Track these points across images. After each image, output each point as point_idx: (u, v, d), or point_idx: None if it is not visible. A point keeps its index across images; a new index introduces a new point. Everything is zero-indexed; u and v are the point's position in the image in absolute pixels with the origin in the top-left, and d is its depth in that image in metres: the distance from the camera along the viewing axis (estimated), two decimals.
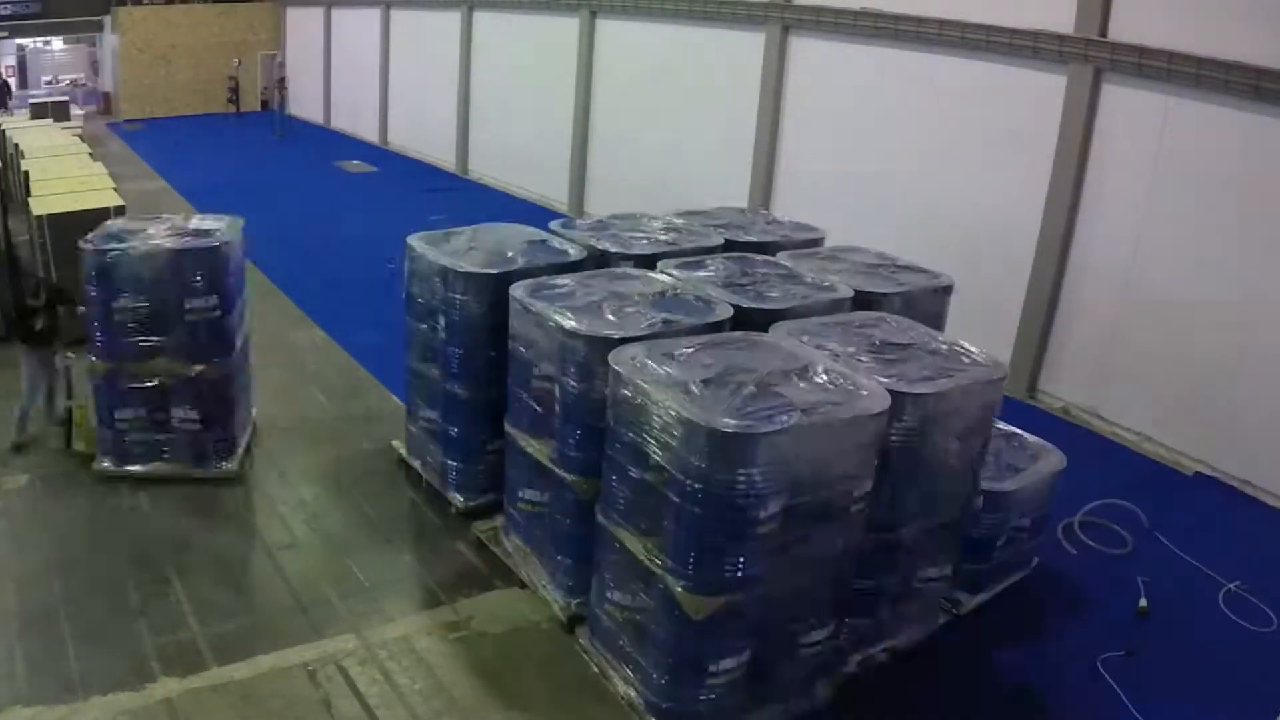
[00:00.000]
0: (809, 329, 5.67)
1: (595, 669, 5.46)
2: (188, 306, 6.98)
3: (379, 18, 21.23)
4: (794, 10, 12.04)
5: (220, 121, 24.85)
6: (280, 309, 11.13)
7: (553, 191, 16.41)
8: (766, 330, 5.63)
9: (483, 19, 18.39)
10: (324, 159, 20.18)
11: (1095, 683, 5.55)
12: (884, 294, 6.51)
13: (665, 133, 14.03)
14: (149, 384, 7.07)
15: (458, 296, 6.50)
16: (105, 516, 6.83)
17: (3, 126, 14.67)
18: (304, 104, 24.80)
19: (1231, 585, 6.38)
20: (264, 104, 26.59)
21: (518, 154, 17.47)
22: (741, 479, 4.48)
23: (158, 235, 7.17)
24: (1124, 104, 8.87)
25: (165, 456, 7.27)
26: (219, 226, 7.42)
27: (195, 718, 5.08)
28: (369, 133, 22.28)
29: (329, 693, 5.29)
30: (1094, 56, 8.91)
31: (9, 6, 23.93)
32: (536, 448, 5.95)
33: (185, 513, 6.94)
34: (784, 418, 4.52)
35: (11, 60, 26.86)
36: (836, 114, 11.50)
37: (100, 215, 8.52)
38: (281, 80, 24.70)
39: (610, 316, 5.65)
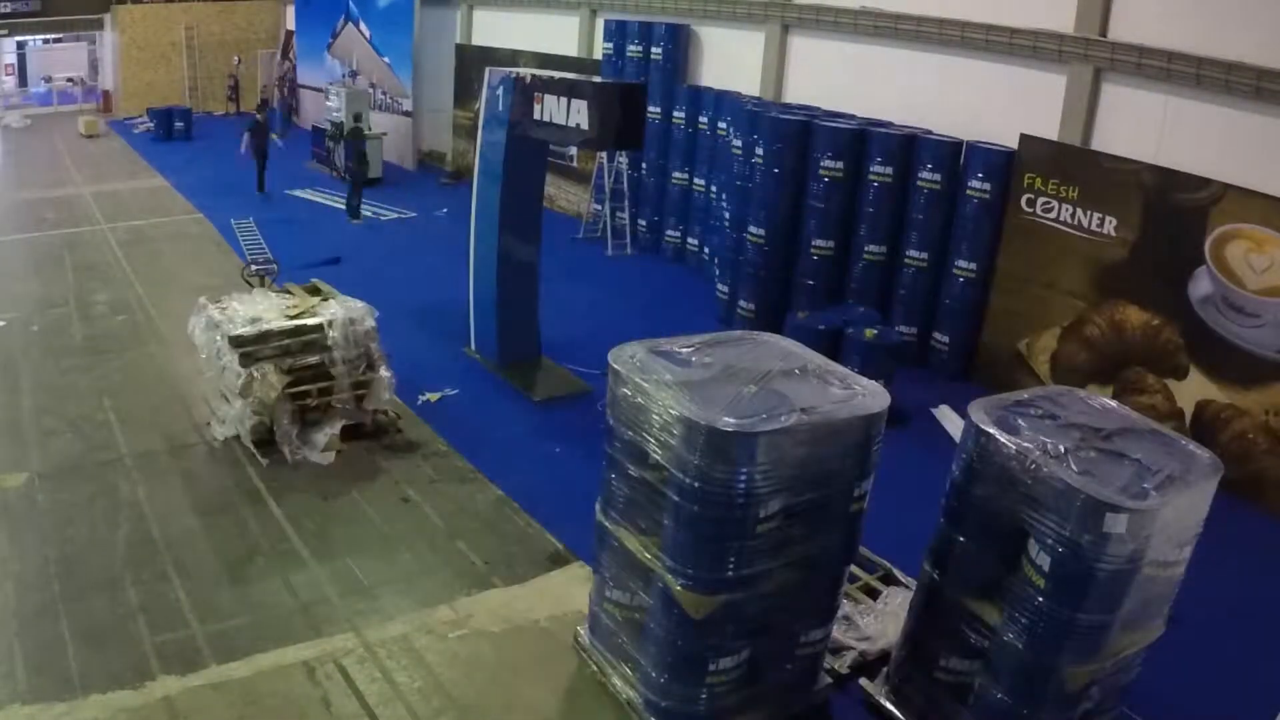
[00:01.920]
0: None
1: (594, 668, 5.47)
2: None
3: None
4: (794, 9, 12.05)
5: (221, 120, 24.86)
6: None
7: None
8: None
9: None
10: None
11: None
12: None
13: None
14: None
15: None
16: (105, 514, 6.83)
17: None
18: None
19: None
20: (264, 103, 26.59)
21: None
22: (742, 478, 4.46)
23: None
24: (1124, 103, 8.89)
25: None
26: None
27: (194, 716, 5.08)
28: None
29: (328, 691, 5.29)
30: (1094, 56, 8.92)
31: (8, 4, 23.91)
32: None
33: (185, 511, 6.95)
34: (784, 417, 4.51)
35: (11, 58, 26.87)
36: (836, 111, 11.51)
37: None
38: (282, 79, 24.70)
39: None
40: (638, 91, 8.53)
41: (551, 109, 8.41)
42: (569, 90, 8.27)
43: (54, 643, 5.50)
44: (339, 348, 7.82)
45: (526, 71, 9.07)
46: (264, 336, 7.64)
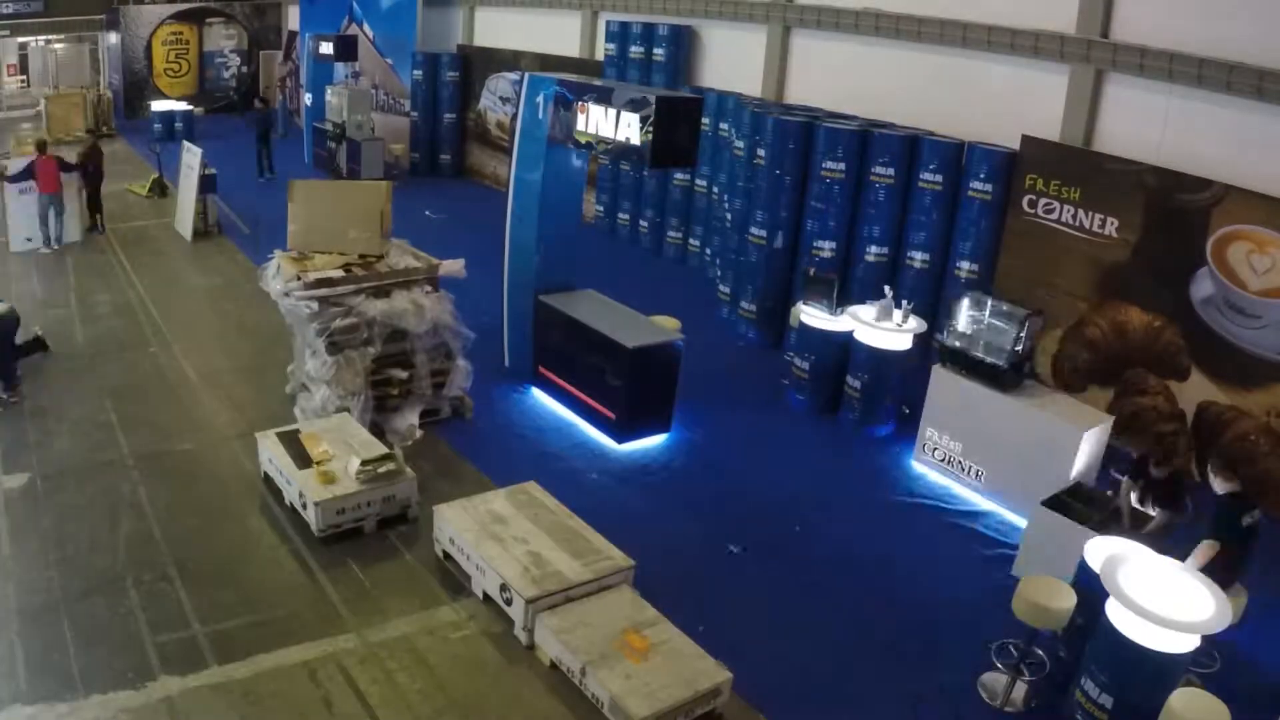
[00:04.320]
0: None
1: None
2: None
3: None
4: (795, 10, 12.05)
5: (224, 120, 24.86)
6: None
7: None
8: None
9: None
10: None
11: None
12: None
13: None
14: None
15: None
16: (105, 514, 6.84)
17: None
18: None
19: None
20: (265, 103, 26.62)
21: None
22: None
23: None
24: (1125, 104, 8.88)
25: None
26: None
27: (195, 716, 5.08)
28: None
29: (329, 692, 5.29)
30: (1095, 57, 8.92)
31: (10, 5, 23.96)
32: None
33: (186, 511, 6.95)
34: None
35: (13, 59, 26.90)
36: (838, 112, 11.51)
37: None
38: (284, 79, 24.71)
39: None
40: (693, 106, 7.83)
41: (598, 121, 7.85)
42: (619, 101, 7.66)
43: (55, 643, 5.51)
44: (420, 337, 8.09)
45: (571, 78, 8.55)
46: (354, 328, 7.89)
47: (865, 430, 8.84)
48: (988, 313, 7.85)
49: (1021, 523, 7.21)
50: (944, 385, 8.06)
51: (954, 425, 8.01)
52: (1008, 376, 7.62)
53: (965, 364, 7.85)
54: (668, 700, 5.02)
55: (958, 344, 7.92)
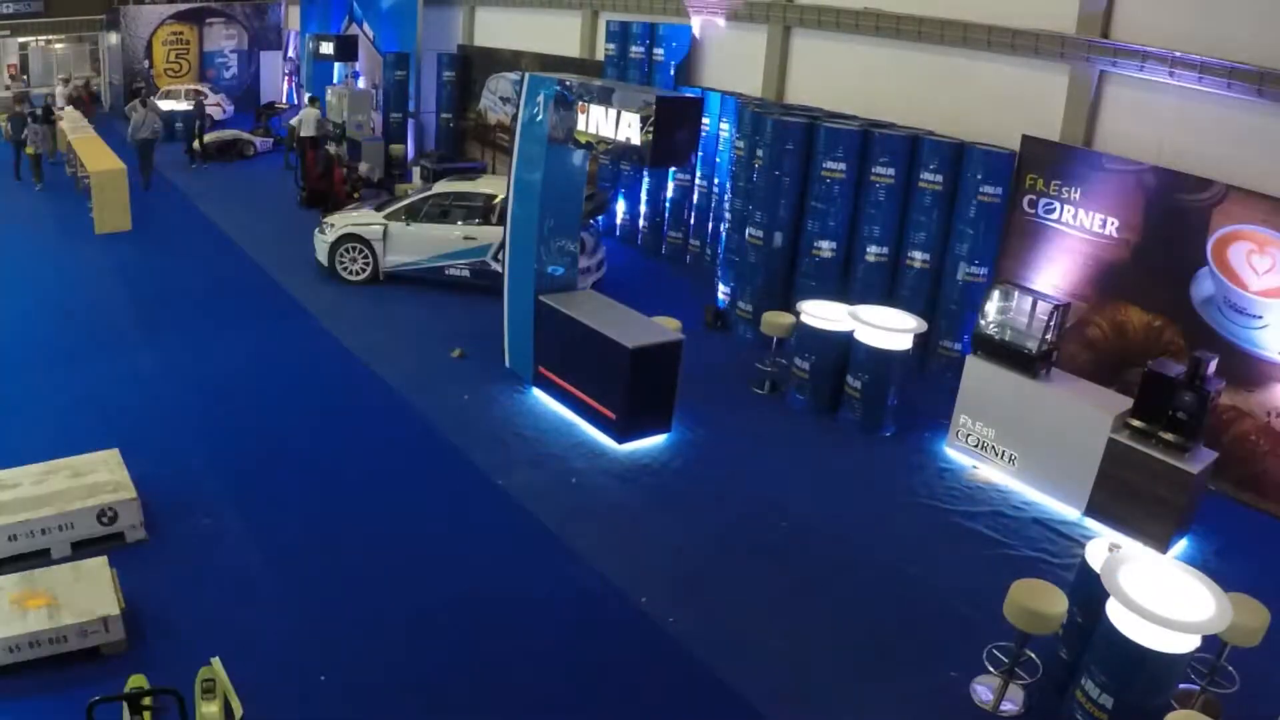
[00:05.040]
0: None
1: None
2: None
3: None
4: (796, 10, 12.06)
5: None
6: (280, 306, 11.20)
7: None
8: None
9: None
10: None
11: None
12: None
13: None
14: None
15: None
16: None
17: None
18: None
19: None
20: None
21: None
22: None
23: None
24: (1126, 104, 8.88)
25: None
26: None
27: None
28: None
29: None
30: (1096, 57, 8.92)
31: (10, 5, 23.98)
32: None
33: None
34: None
35: (14, 59, 26.92)
36: (838, 112, 11.52)
37: None
38: (289, 74, 24.74)
39: None
40: (694, 106, 7.79)
41: (598, 121, 7.85)
42: (620, 102, 7.63)
43: None
44: None
45: (572, 78, 8.52)
46: None
47: (866, 430, 8.84)
48: (1015, 303, 8.04)
49: (1046, 503, 7.65)
50: (977, 373, 8.21)
51: (987, 412, 8.19)
52: (1039, 364, 7.84)
53: (998, 352, 8.05)
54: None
55: (991, 333, 8.12)
